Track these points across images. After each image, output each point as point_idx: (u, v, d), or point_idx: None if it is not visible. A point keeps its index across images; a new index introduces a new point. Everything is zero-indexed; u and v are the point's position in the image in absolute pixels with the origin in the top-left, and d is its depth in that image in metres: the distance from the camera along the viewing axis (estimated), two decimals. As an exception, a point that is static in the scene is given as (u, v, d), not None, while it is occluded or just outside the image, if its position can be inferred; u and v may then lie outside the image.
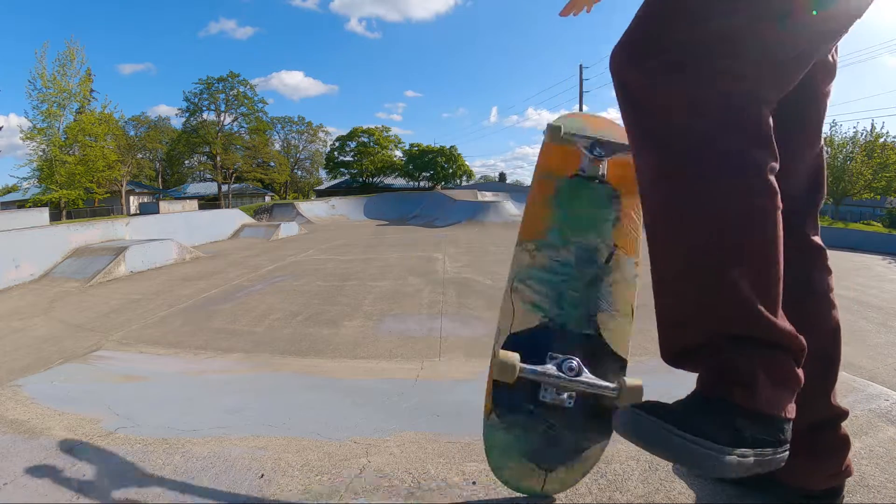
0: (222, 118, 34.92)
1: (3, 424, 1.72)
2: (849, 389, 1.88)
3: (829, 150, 19.07)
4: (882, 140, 17.85)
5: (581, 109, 30.48)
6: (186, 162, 41.00)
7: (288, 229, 13.04)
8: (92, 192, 24.74)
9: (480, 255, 8.27)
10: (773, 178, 0.71)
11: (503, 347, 1.04)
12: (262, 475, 1.32)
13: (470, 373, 2.75)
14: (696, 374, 0.80)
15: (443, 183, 39.23)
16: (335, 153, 42.48)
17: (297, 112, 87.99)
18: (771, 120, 0.72)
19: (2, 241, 6.37)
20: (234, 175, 36.66)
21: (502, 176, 52.73)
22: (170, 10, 77.62)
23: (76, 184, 22.81)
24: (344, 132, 42.83)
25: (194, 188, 42.74)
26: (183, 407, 2.13)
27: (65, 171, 22.33)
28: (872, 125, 18.26)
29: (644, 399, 0.91)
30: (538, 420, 1.04)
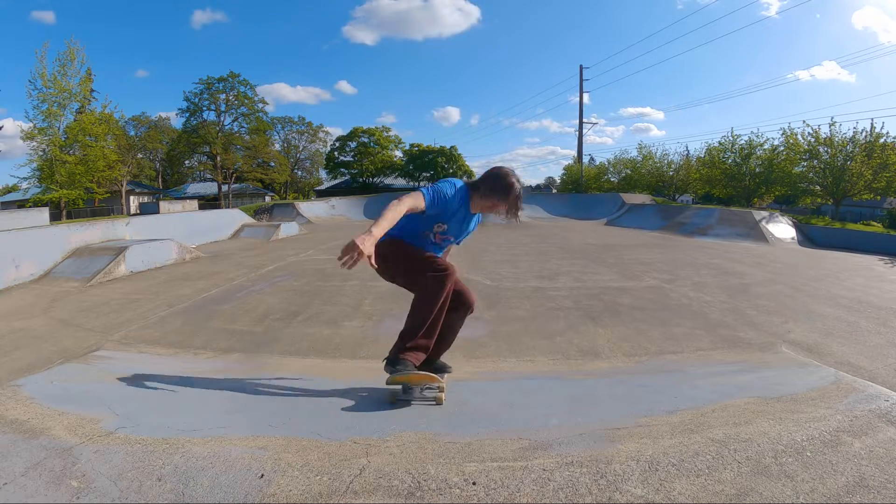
0: (222, 118, 34.89)
1: (3, 424, 1.72)
2: (849, 389, 1.88)
3: (828, 150, 19.02)
4: (882, 140, 17.79)
5: (581, 109, 30.48)
6: (186, 162, 40.92)
7: (288, 229, 13.04)
8: (92, 192, 24.68)
9: (480, 255, 8.27)
10: None
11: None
12: (262, 475, 1.32)
13: (470, 373, 2.75)
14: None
15: (443, 183, 39.11)
16: (335, 153, 42.43)
17: (296, 113, 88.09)
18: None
19: (2, 241, 6.36)
20: (235, 175, 36.60)
21: (502, 176, 52.57)
22: (173, 15, 77.53)
23: (76, 184, 22.75)
24: (344, 132, 42.88)
25: (194, 188, 42.67)
26: (183, 407, 2.13)
27: (65, 170, 22.28)
28: (872, 125, 18.16)
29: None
30: None
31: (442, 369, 2.39)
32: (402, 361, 2.13)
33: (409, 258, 2.22)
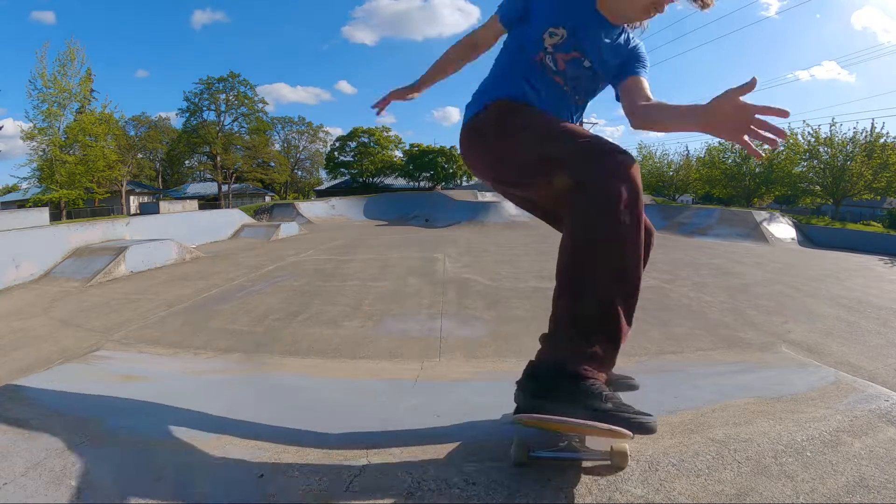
0: (222, 118, 34.91)
1: (3, 424, 1.72)
2: (849, 390, 1.88)
3: (828, 150, 19.03)
4: (882, 140, 17.79)
5: (581, 110, 30.42)
6: (186, 162, 40.95)
7: (288, 229, 13.04)
8: (92, 192, 24.71)
9: (480, 255, 8.27)
10: None
11: None
12: (262, 475, 1.32)
13: (470, 373, 2.75)
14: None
15: (443, 183, 39.16)
16: (335, 153, 42.44)
17: (296, 113, 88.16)
18: None
19: (2, 241, 6.36)
20: (234, 175, 36.62)
21: (502, 176, 52.53)
22: (173, 15, 77.61)
23: (76, 184, 22.77)
24: (344, 132, 42.89)
25: (194, 188, 42.65)
26: (183, 407, 2.13)
27: (65, 170, 22.30)
28: (872, 125, 18.18)
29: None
30: None
31: (623, 385, 1.40)
32: (582, 378, 1.04)
33: (528, 124, 1.19)
